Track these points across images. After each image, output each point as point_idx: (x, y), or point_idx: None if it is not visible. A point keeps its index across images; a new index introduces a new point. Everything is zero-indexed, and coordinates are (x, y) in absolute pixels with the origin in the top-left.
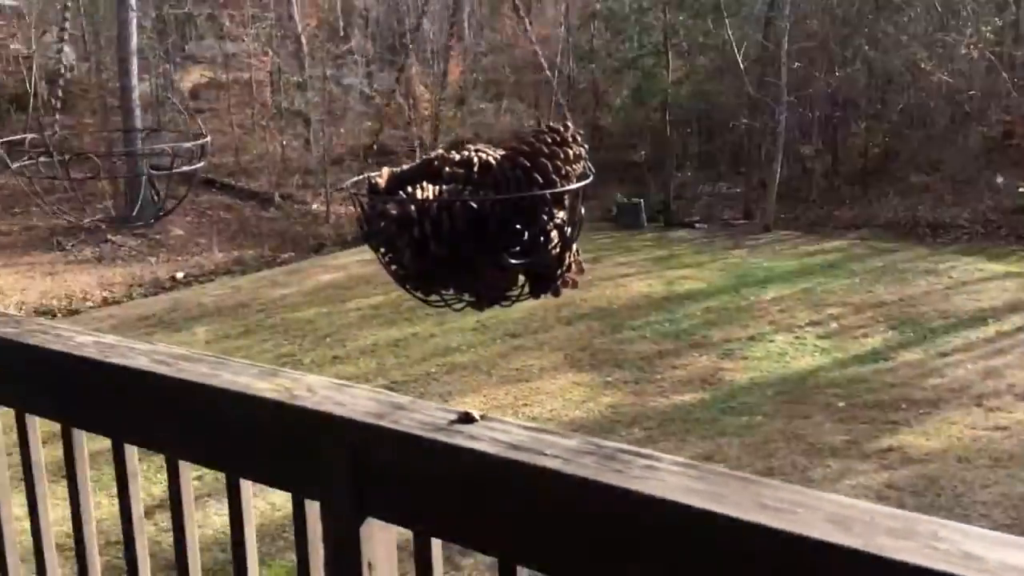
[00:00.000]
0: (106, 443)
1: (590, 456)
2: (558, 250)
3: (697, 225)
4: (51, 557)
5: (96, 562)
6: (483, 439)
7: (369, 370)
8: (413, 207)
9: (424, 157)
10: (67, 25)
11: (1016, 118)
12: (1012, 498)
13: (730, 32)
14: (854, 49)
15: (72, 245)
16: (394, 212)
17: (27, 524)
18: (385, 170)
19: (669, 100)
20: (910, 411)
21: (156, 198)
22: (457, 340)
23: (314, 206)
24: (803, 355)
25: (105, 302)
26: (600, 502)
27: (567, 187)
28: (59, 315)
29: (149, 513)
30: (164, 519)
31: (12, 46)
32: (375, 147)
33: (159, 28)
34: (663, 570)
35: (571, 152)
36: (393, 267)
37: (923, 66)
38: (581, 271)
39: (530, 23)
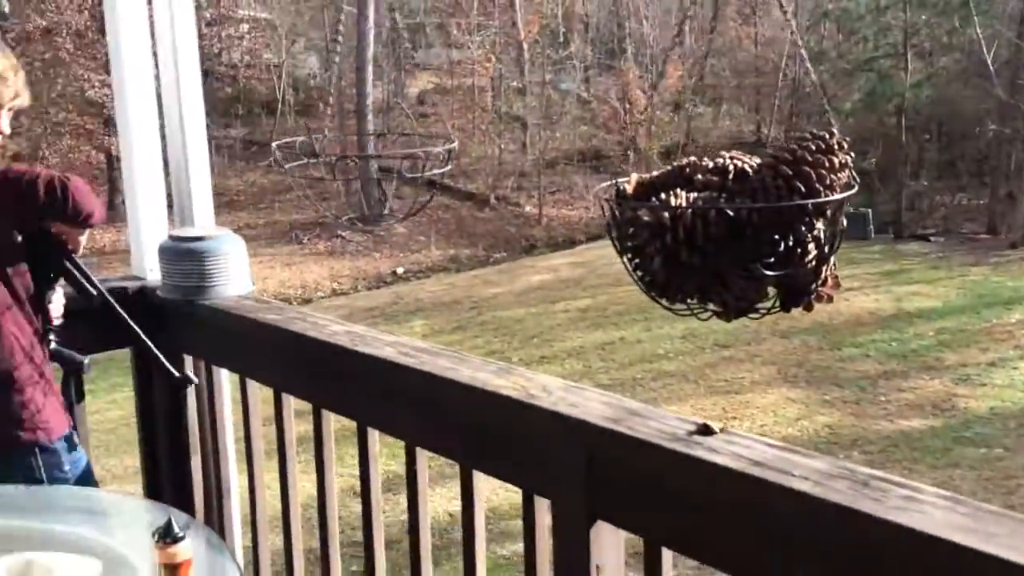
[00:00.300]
0: (345, 424)
1: (843, 481)
2: (815, 263)
3: (932, 238)
4: (296, 525)
5: (336, 534)
6: (724, 453)
7: (575, 372)
8: (666, 214)
9: (674, 164)
10: (313, 36)
11: None
12: None
13: (979, 31)
14: None
15: (308, 239)
16: (646, 218)
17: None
18: (633, 176)
19: (906, 104)
20: None
21: (384, 197)
22: (665, 347)
23: (527, 208)
24: None
25: (334, 292)
26: (855, 531)
27: (831, 197)
28: (294, 303)
29: (357, 493)
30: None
31: (265, 56)
32: (589, 151)
33: (392, 38)
34: None
35: (836, 161)
36: (639, 273)
37: None
38: (837, 286)
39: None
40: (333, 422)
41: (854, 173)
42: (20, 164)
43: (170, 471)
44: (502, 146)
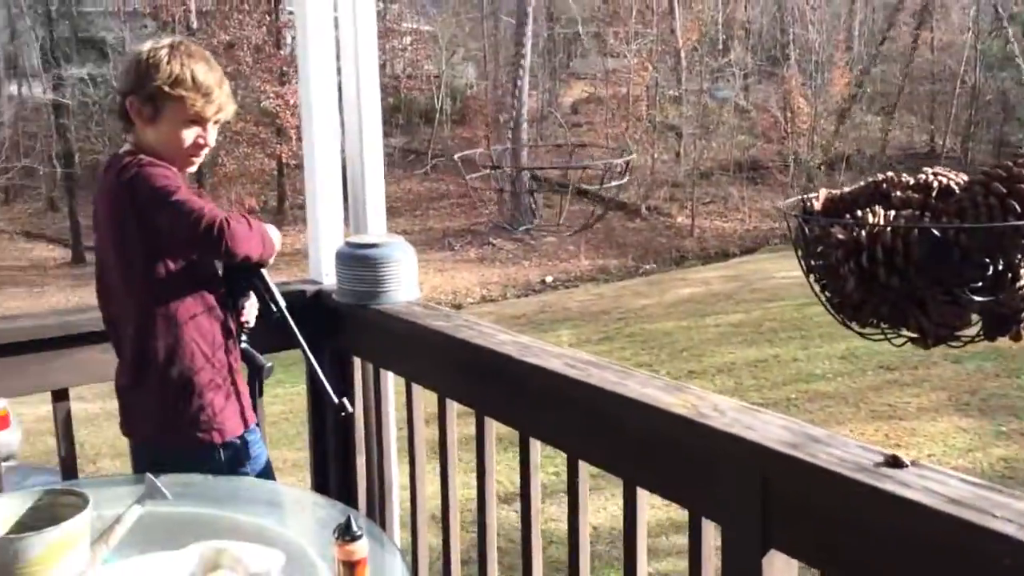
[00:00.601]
0: (498, 429)
1: None
2: None
3: None
4: (455, 526)
5: (494, 539)
6: (915, 488)
7: (725, 389)
8: (863, 232)
9: (869, 179)
10: (472, 46)
11: None
12: None
13: None
14: None
15: (460, 246)
16: (840, 236)
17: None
18: (822, 191)
19: None
20: None
21: (534, 206)
22: (822, 367)
23: (679, 219)
24: None
25: (483, 299)
26: None
27: None
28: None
29: (509, 500)
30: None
31: (425, 67)
32: (746, 161)
33: (549, 47)
34: None
35: None
36: (827, 294)
37: None
38: None
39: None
40: (495, 429)
41: None
42: (195, 199)
43: (337, 467)
44: (655, 155)
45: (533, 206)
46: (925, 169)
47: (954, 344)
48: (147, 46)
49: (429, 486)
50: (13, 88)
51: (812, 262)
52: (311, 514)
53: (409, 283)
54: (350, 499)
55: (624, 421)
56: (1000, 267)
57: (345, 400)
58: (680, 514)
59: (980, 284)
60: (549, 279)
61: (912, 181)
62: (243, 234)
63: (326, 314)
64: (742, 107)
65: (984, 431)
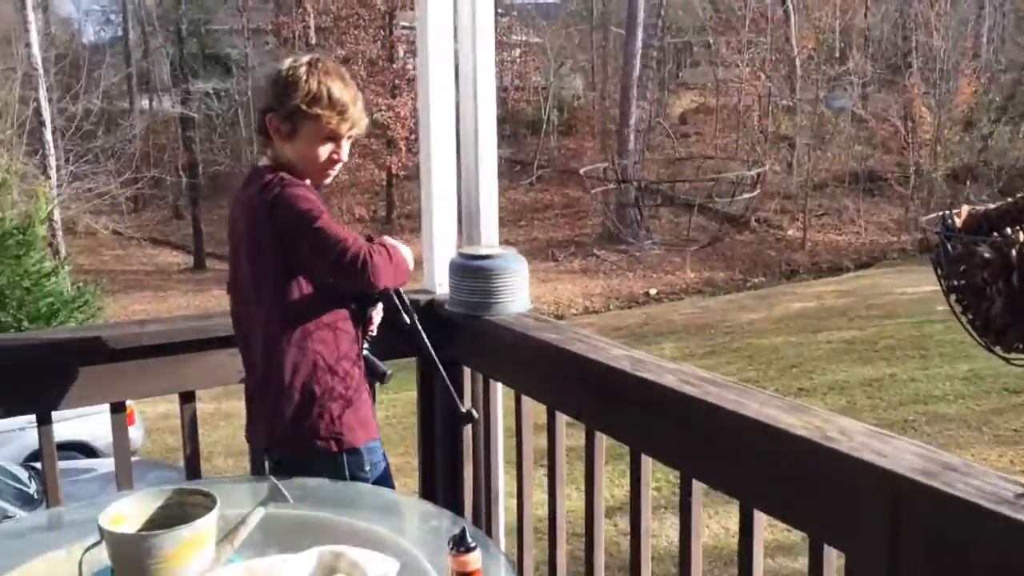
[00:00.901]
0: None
1: None
2: None
3: None
4: (561, 538)
5: (602, 553)
6: None
7: (836, 408)
8: (1013, 252)
9: (1019, 196)
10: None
11: None
12: None
13: None
14: None
15: (563, 257)
16: (987, 256)
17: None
18: (964, 207)
19: None
20: None
21: (641, 218)
22: (942, 388)
23: (790, 232)
24: None
25: (586, 310)
26: None
27: None
28: None
29: (609, 513)
30: (623, 521)
31: (533, 78)
32: (863, 173)
33: (658, 58)
34: None
35: None
36: (969, 316)
37: None
38: None
39: None
40: (604, 443)
41: None
42: (337, 228)
43: (444, 476)
44: (766, 166)
45: (638, 218)
46: None
47: None
48: (286, 64)
49: (535, 496)
50: (145, 102)
51: (954, 282)
52: (424, 522)
53: (521, 295)
54: (457, 507)
55: (742, 441)
56: None
57: (473, 409)
58: (786, 536)
59: None
60: (653, 291)
61: None
62: (384, 266)
63: (438, 324)
64: (860, 116)
65: None
